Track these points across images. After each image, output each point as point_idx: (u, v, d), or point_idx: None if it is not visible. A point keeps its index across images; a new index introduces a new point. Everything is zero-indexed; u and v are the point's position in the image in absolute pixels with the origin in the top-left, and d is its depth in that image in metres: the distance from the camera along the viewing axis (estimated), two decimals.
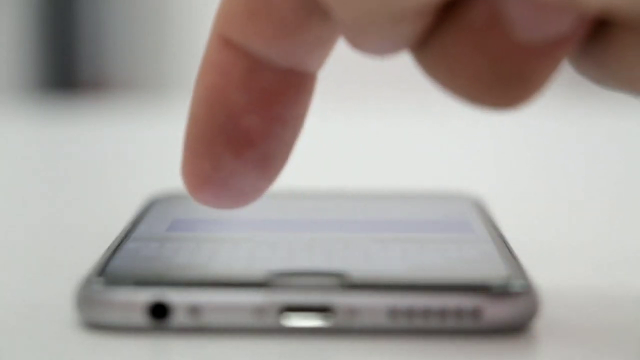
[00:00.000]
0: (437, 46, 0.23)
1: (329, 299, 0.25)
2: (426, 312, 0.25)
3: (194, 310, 0.25)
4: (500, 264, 0.28)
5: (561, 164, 0.56)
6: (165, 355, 0.25)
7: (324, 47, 0.26)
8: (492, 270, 0.27)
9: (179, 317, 0.25)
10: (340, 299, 0.25)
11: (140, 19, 1.77)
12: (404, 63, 0.33)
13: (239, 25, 0.26)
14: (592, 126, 0.71)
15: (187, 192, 0.27)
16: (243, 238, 0.30)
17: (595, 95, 0.92)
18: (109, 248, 0.29)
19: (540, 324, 0.26)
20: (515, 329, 0.26)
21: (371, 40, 0.23)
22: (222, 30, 0.26)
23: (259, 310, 0.25)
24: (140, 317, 0.25)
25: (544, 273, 0.30)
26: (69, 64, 1.73)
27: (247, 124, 0.26)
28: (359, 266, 0.27)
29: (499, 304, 0.25)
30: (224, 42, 0.26)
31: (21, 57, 1.70)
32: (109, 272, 0.27)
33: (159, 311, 0.25)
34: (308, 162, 0.57)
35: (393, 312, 0.25)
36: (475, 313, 0.25)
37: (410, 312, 0.25)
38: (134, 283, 0.26)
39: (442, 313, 0.25)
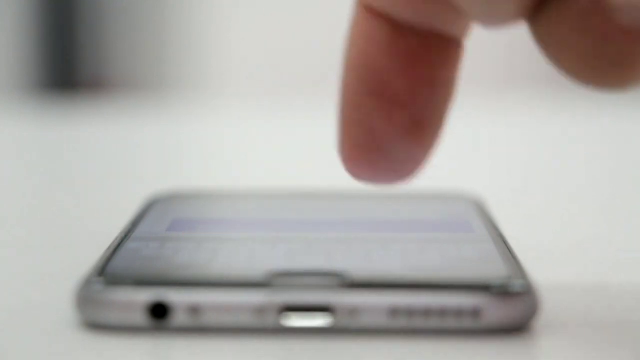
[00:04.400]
0: (546, 22, 0.24)
1: (329, 299, 0.25)
2: (426, 312, 0.25)
3: (194, 310, 0.25)
4: (500, 264, 0.28)
5: (561, 164, 0.56)
6: (165, 355, 0.25)
7: (458, 13, 0.26)
8: (492, 270, 0.27)
9: (179, 317, 0.25)
10: (340, 299, 0.25)
11: (140, 19, 1.77)
12: None
13: None
14: (592, 126, 0.71)
15: (345, 167, 0.28)
16: (243, 238, 0.30)
17: (595, 96, 0.92)
18: (109, 248, 0.29)
19: (540, 324, 0.26)
20: (515, 329, 0.26)
21: (482, 10, 0.24)
22: None
23: (259, 310, 0.25)
24: (140, 317, 0.25)
25: (544, 273, 0.30)
26: (69, 64, 1.72)
27: (395, 87, 0.27)
28: (359, 266, 0.27)
29: (499, 304, 0.25)
30: (367, 10, 0.27)
31: (21, 57, 1.70)
32: (109, 272, 0.27)
33: (159, 311, 0.25)
34: (308, 162, 0.57)
35: (393, 312, 0.25)
36: (475, 313, 0.25)
37: (410, 312, 0.25)
38: (134, 283, 0.26)
39: (442, 313, 0.25)
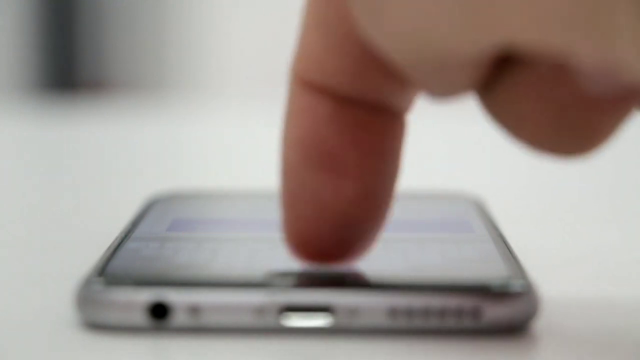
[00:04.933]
0: (501, 93, 0.23)
1: (329, 299, 0.25)
2: (426, 312, 0.25)
3: (194, 310, 0.25)
4: (500, 264, 0.28)
5: (561, 165, 0.56)
6: (165, 355, 0.25)
7: (405, 86, 0.25)
8: (492, 270, 0.27)
9: (179, 317, 0.25)
10: (340, 299, 0.25)
11: (140, 19, 1.77)
12: None
13: (318, 66, 0.26)
14: None
15: (290, 249, 0.27)
16: (243, 238, 0.30)
17: None
18: (109, 248, 0.29)
19: (540, 324, 0.26)
20: (515, 329, 0.26)
21: (431, 84, 0.23)
22: (302, 73, 0.26)
23: (259, 310, 0.25)
24: (140, 317, 0.25)
25: (544, 273, 0.30)
26: (69, 64, 1.72)
27: (343, 159, 0.26)
28: (359, 266, 0.27)
29: (499, 304, 0.25)
30: (307, 85, 0.26)
31: (21, 57, 1.70)
32: (109, 272, 0.27)
33: (159, 311, 0.25)
34: None
35: (393, 312, 0.25)
36: (475, 313, 0.25)
37: (410, 312, 0.25)
38: (134, 283, 0.26)
39: (442, 313, 0.25)
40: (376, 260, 0.28)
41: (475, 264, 0.28)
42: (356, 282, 0.26)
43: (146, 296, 0.25)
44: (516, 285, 0.26)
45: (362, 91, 0.26)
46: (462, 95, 0.24)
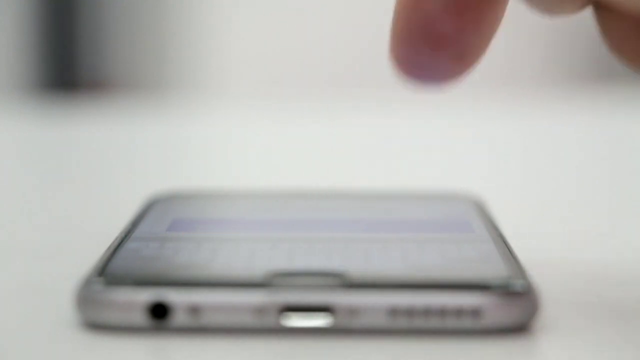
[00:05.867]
0: (606, 18, 0.26)
1: (329, 299, 0.25)
2: (426, 312, 0.25)
3: (194, 310, 0.25)
4: (500, 264, 0.28)
5: (561, 164, 0.56)
6: (165, 355, 0.25)
7: None
8: (492, 270, 0.27)
9: (179, 317, 0.25)
10: (340, 299, 0.25)
11: (140, 19, 1.77)
12: None
13: None
14: (592, 126, 0.71)
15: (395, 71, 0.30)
16: (243, 238, 0.30)
17: (595, 96, 0.92)
18: (109, 248, 0.29)
19: (540, 324, 0.26)
20: (515, 328, 0.26)
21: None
22: None
23: (259, 310, 0.25)
24: (140, 317, 0.25)
25: (544, 273, 0.30)
26: (69, 64, 1.72)
27: (441, 27, 0.29)
28: (359, 266, 0.27)
29: (499, 304, 0.25)
30: None
31: (21, 57, 1.70)
32: (109, 272, 0.27)
33: (159, 311, 0.25)
34: (308, 162, 0.57)
35: (393, 312, 0.25)
36: (475, 313, 0.25)
37: (410, 312, 0.25)
38: (134, 283, 0.26)
39: (442, 313, 0.25)
40: (376, 260, 0.28)
41: (475, 264, 0.28)
42: (356, 282, 0.26)
43: (146, 296, 0.25)
44: (516, 285, 0.26)
45: None
46: (575, 13, 0.26)
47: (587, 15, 0.28)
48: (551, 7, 0.26)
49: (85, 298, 0.26)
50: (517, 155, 0.60)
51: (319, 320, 0.25)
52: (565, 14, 0.26)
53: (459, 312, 0.25)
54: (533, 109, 0.80)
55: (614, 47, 0.26)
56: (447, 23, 0.29)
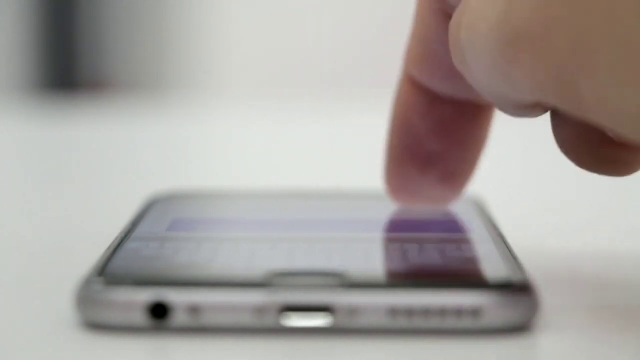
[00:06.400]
0: (555, 124, 0.27)
1: (329, 299, 0.25)
2: (426, 312, 0.25)
3: (194, 310, 0.25)
4: (500, 264, 0.28)
5: (561, 164, 0.56)
6: (165, 355, 0.25)
7: None
8: (492, 270, 0.27)
9: (179, 317, 0.25)
10: (340, 299, 0.25)
11: (140, 19, 1.77)
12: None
13: (416, 66, 0.31)
14: None
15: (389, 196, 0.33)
16: (243, 238, 0.30)
17: None
18: (109, 248, 0.29)
19: (540, 324, 0.26)
20: (516, 328, 0.26)
21: (509, 110, 0.27)
22: (407, 69, 0.31)
23: (259, 310, 0.25)
24: (140, 317, 0.25)
25: (544, 273, 0.30)
26: (69, 64, 1.72)
27: (428, 147, 0.31)
28: (359, 266, 0.27)
29: (499, 303, 0.25)
30: (409, 79, 0.31)
31: (21, 57, 1.70)
32: (109, 272, 0.27)
33: (159, 311, 0.25)
34: (309, 162, 0.57)
35: (393, 312, 0.25)
36: (475, 313, 0.25)
37: (410, 312, 0.25)
38: (134, 283, 0.26)
39: (442, 313, 0.25)
40: (376, 260, 0.28)
41: (475, 264, 0.28)
42: (356, 282, 0.26)
43: (146, 296, 0.25)
44: (516, 285, 0.26)
45: (453, 91, 0.30)
46: (534, 117, 0.28)
47: None
48: (518, 116, 0.27)
49: (85, 298, 0.26)
50: (517, 155, 0.60)
51: (319, 320, 0.25)
52: (533, 117, 0.28)
53: (459, 312, 0.25)
54: None
55: (563, 147, 0.27)
56: (433, 142, 0.31)
